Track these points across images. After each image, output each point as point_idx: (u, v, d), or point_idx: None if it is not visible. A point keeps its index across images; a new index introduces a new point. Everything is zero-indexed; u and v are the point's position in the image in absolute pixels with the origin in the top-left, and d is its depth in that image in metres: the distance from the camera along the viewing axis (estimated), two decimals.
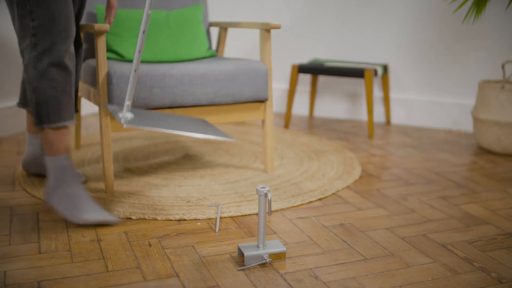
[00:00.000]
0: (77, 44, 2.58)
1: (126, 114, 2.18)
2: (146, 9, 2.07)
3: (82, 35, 2.98)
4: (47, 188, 2.22)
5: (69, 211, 2.17)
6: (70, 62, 2.19)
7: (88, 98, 2.76)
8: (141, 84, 2.49)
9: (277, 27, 2.74)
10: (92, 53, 3.01)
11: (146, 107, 2.52)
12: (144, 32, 2.10)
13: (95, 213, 2.16)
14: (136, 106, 2.50)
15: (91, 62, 2.82)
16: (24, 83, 2.61)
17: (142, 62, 2.73)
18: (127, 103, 2.18)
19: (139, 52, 2.14)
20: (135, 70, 2.15)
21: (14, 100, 3.69)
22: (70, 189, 2.19)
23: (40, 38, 2.12)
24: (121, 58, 2.75)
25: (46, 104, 2.15)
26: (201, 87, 2.61)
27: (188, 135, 2.28)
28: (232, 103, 2.72)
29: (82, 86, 2.87)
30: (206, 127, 2.32)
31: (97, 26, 2.38)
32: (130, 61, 2.75)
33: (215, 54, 3.05)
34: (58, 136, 2.20)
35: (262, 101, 2.80)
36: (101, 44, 2.42)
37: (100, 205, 2.29)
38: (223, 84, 2.66)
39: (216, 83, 2.65)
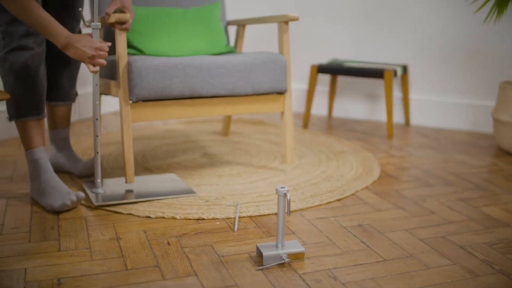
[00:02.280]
0: None
1: (98, 190, 2.50)
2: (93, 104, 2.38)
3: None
4: (30, 182, 2.47)
5: (44, 202, 2.34)
6: (33, 61, 2.32)
7: (108, 92, 2.77)
8: (161, 74, 2.50)
9: (295, 18, 2.74)
10: (110, 50, 3.02)
11: (166, 97, 2.54)
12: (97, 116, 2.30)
13: (61, 199, 2.29)
14: (158, 95, 2.51)
15: (110, 57, 2.83)
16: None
17: (160, 56, 2.74)
18: (98, 180, 2.48)
19: (97, 136, 2.43)
20: (97, 152, 2.46)
21: None
22: (43, 179, 2.37)
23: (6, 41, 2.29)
24: (140, 53, 2.76)
25: (14, 100, 2.34)
26: (220, 77, 2.62)
27: (152, 199, 2.48)
28: (251, 94, 2.73)
29: (100, 81, 2.88)
30: (173, 184, 2.66)
31: (117, 16, 2.39)
32: (150, 55, 2.76)
33: (233, 50, 3.05)
34: (28, 131, 2.40)
35: (281, 92, 2.81)
36: (121, 37, 2.43)
37: (66, 187, 2.37)
38: (242, 74, 2.67)
39: (235, 73, 2.65)
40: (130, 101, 2.50)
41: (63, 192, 2.33)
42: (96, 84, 2.40)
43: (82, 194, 2.33)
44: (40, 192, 2.36)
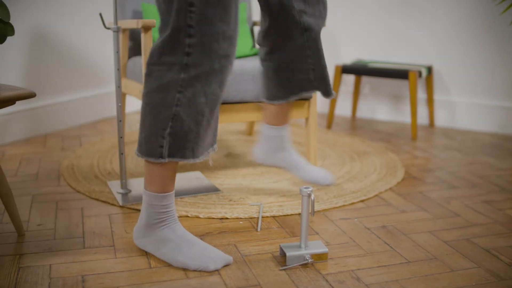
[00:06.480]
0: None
1: (124, 191, 2.50)
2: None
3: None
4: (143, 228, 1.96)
5: (165, 255, 1.91)
6: (221, 92, 1.84)
7: (133, 95, 2.78)
8: None
9: None
10: (136, 51, 3.04)
11: None
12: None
13: (200, 260, 1.87)
14: None
15: (136, 59, 2.85)
16: (280, 79, 2.36)
17: None
18: (123, 181, 2.48)
19: (121, 137, 2.42)
20: (122, 153, 2.46)
21: (59, 97, 3.74)
22: (172, 231, 1.93)
23: (195, 60, 1.74)
24: None
25: (184, 138, 1.81)
26: (245, 83, 2.62)
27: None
28: None
29: (127, 82, 2.89)
30: (198, 182, 2.67)
31: (144, 22, 2.40)
32: None
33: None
34: (172, 171, 1.90)
35: (306, 99, 2.80)
36: (147, 40, 2.44)
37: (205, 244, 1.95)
38: None
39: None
40: None
41: (203, 248, 1.92)
42: (118, 86, 2.41)
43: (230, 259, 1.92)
44: (162, 242, 1.92)
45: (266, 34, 2.27)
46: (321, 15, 2.24)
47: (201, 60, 1.73)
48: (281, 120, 2.45)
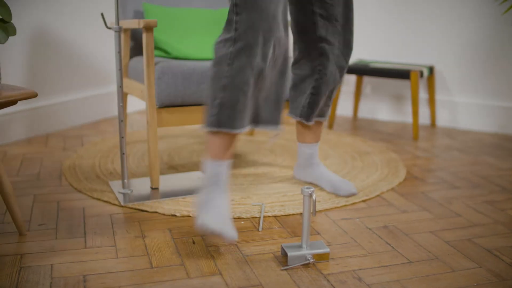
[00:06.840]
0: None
1: (125, 191, 2.51)
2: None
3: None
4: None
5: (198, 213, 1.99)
6: (265, 64, 2.01)
7: (135, 94, 2.78)
8: (189, 80, 2.51)
9: None
10: (138, 51, 3.04)
11: (193, 103, 2.54)
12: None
13: (214, 223, 1.92)
14: (185, 101, 2.53)
15: (137, 59, 2.84)
16: (295, 94, 2.59)
17: (190, 59, 2.75)
18: (125, 181, 2.50)
19: (122, 137, 2.43)
20: (123, 153, 2.47)
21: (60, 97, 3.74)
22: (211, 196, 2.03)
23: (241, 34, 1.94)
24: (167, 55, 2.77)
25: (232, 107, 1.98)
26: None
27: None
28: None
29: (128, 82, 2.89)
30: (200, 182, 2.67)
31: (145, 22, 2.40)
32: (176, 58, 2.77)
33: None
34: (226, 140, 2.04)
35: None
36: (149, 39, 2.44)
37: (230, 219, 1.98)
38: None
39: None
40: (157, 106, 2.51)
41: (220, 212, 1.99)
42: (120, 86, 2.41)
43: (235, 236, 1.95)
44: (200, 204, 2.03)
45: (293, 48, 2.55)
46: (340, 47, 2.47)
47: (246, 34, 1.94)
48: (308, 138, 2.66)
